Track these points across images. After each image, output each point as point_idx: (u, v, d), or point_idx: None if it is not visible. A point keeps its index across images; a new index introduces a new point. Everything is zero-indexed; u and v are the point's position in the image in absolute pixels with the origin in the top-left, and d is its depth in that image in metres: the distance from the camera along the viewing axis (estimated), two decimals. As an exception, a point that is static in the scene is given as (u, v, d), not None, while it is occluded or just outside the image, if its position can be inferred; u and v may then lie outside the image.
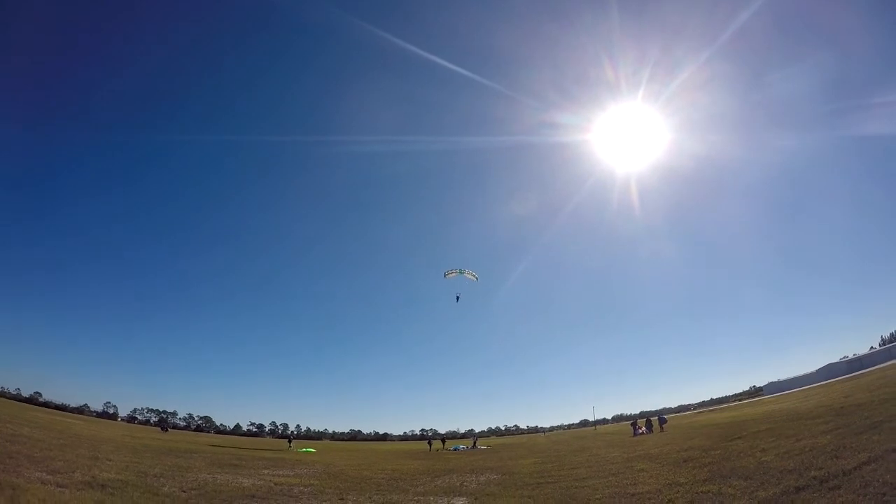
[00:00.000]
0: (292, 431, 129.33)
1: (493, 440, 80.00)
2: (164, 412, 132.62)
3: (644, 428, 36.15)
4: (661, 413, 40.90)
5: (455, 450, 42.72)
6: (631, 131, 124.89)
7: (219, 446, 33.31)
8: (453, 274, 42.30)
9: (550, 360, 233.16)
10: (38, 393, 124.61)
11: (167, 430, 65.57)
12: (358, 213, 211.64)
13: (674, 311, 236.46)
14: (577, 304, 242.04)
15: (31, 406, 74.52)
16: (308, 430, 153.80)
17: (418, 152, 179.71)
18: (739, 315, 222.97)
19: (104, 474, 11.87)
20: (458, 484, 14.48)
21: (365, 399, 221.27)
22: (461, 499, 11.40)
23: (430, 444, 51.50)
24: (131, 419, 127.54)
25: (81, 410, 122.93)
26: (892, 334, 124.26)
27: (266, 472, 17.60)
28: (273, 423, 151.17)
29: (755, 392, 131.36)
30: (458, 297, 42.93)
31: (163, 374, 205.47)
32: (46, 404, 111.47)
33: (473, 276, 42.02)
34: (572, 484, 12.16)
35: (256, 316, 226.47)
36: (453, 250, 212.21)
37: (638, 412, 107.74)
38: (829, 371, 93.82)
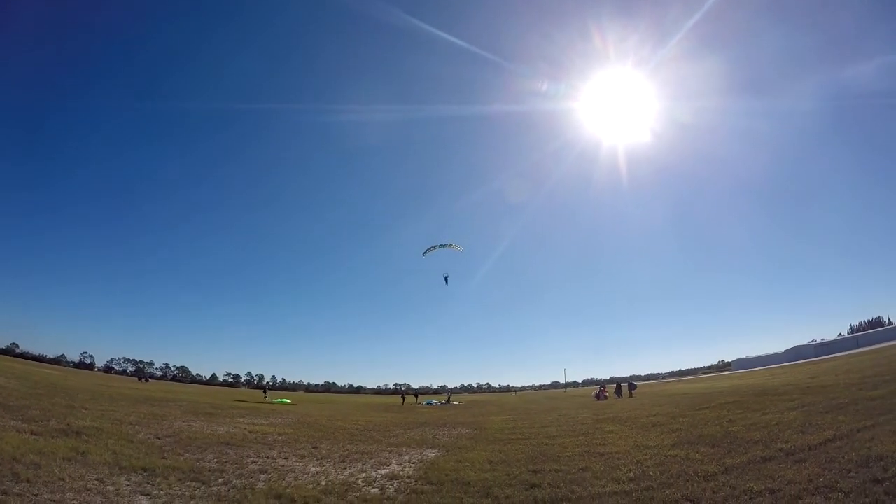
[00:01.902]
0: (268, 382, 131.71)
1: (465, 397, 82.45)
2: (141, 362, 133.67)
3: (608, 394, 37.36)
4: (630, 380, 41.92)
5: (428, 404, 43.82)
6: (619, 100, 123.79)
7: (195, 396, 33.54)
8: (434, 250, 39.58)
9: (525, 321, 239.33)
10: (14, 344, 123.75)
11: (146, 381, 65.31)
12: (341, 177, 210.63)
13: (651, 283, 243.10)
14: (554, 271, 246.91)
15: (7, 357, 73.95)
16: (283, 381, 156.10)
17: (400, 121, 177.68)
18: (714, 291, 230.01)
19: (79, 422, 11.87)
20: (430, 437, 14.75)
21: (340, 352, 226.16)
22: (433, 451, 11.58)
23: (403, 398, 52.69)
24: (108, 369, 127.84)
25: (59, 361, 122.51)
26: (860, 323, 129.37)
27: (241, 420, 17.77)
28: (249, 374, 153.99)
29: (724, 367, 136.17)
30: (446, 279, 40.53)
31: (140, 324, 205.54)
32: (23, 355, 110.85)
33: (457, 247, 39.54)
34: (543, 441, 12.44)
35: (234, 268, 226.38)
36: (437, 215, 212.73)
37: (608, 377, 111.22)
38: (796, 352, 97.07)
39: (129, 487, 6.87)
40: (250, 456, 10.02)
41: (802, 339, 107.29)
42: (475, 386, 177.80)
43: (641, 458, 8.98)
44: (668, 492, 6.41)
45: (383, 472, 8.77)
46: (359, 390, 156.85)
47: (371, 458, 10.22)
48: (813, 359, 71.80)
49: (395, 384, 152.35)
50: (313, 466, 9.20)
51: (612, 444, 11.22)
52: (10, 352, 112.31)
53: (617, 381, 40.31)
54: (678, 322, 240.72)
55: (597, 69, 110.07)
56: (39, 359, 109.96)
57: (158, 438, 11.33)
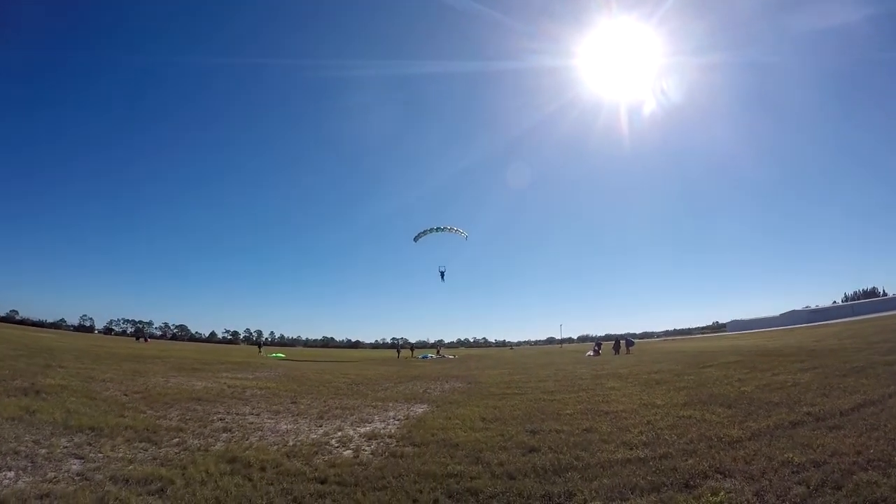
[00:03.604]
0: (264, 338, 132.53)
1: (461, 351, 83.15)
2: (140, 322, 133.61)
3: (605, 350, 37.03)
4: (627, 336, 41.47)
5: (424, 358, 43.65)
6: (621, 55, 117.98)
7: (187, 353, 32.75)
8: (428, 234, 34.04)
9: (522, 278, 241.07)
10: (14, 311, 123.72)
11: (145, 340, 64.52)
12: (339, 132, 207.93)
13: (648, 243, 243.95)
14: (551, 227, 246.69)
15: (5, 324, 72.90)
16: (282, 336, 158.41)
17: (394, 77, 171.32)
18: (711, 252, 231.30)
19: (47, 381, 11.10)
20: (420, 391, 13.97)
21: (339, 308, 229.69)
22: (422, 406, 10.74)
23: (398, 351, 52.76)
24: (108, 331, 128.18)
25: (59, 325, 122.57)
26: (854, 293, 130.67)
27: (226, 375, 17.05)
28: (247, 331, 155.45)
29: (718, 328, 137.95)
30: (442, 274, 36.01)
31: (139, 285, 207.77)
32: (23, 322, 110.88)
33: (460, 233, 34.56)
34: (540, 397, 11.60)
35: (234, 225, 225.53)
36: (433, 176, 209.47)
37: (603, 334, 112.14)
38: (791, 317, 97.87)
39: (66, 450, 5.93)
40: (219, 412, 9.14)
41: (796, 305, 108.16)
42: (472, 340, 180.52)
43: (652, 419, 8.08)
44: (691, 461, 5.43)
45: (363, 430, 7.86)
46: (356, 345, 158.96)
47: (352, 415, 9.35)
48: (808, 324, 72.22)
49: (393, 338, 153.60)
50: (286, 424, 8.30)
51: (615, 401, 10.38)
52: (10, 319, 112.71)
53: (615, 338, 39.81)
54: (673, 283, 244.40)
55: (599, 21, 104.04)
56: (39, 324, 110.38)
57: (125, 395, 10.52)
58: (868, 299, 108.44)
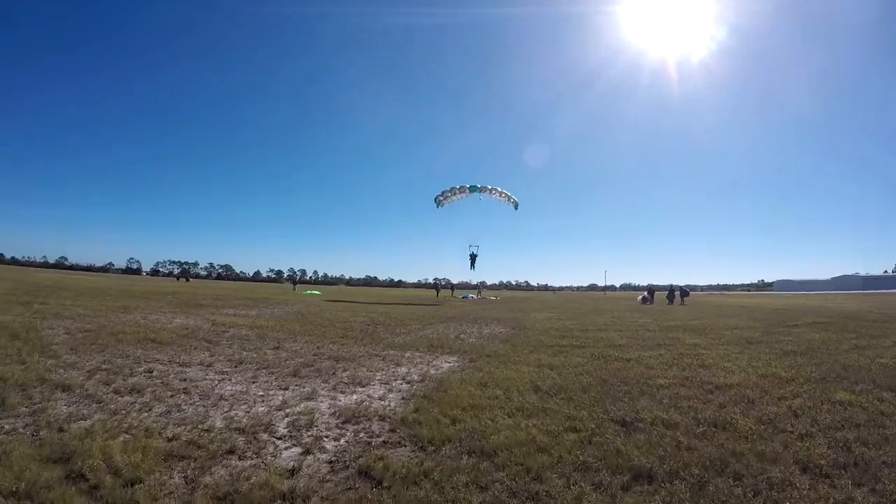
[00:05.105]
0: (297, 274, 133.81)
1: (504, 293, 79.88)
2: (186, 263, 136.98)
3: (657, 299, 33.44)
4: (682, 287, 37.37)
5: (464, 298, 41.16)
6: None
7: (215, 290, 30.99)
8: (456, 196, 25.87)
9: (566, 222, 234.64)
10: (63, 257, 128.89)
11: (187, 280, 64.73)
12: (380, 83, 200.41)
13: (693, 198, 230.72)
14: (600, 177, 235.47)
15: (54, 270, 74.19)
16: (325, 275, 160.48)
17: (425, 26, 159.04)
18: (754, 212, 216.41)
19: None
20: (453, 336, 11.03)
21: (384, 249, 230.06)
22: (450, 359, 7.78)
23: (437, 290, 49.92)
24: (155, 272, 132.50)
25: (107, 269, 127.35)
26: None
27: (227, 312, 14.80)
28: (291, 270, 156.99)
29: (764, 286, 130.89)
30: (473, 258, 28.74)
31: (185, 227, 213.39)
32: (72, 267, 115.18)
33: (507, 197, 26.43)
34: (608, 353, 8.43)
35: (284, 167, 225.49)
36: (477, 122, 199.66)
37: (645, 283, 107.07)
38: (843, 282, 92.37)
39: None
40: (158, 361, 6.55)
41: (845, 271, 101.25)
42: (514, 283, 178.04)
43: (793, 403, 5.05)
44: None
45: (345, 401, 4.90)
46: (399, 284, 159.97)
47: (344, 371, 6.45)
48: (862, 291, 67.42)
49: (435, 279, 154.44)
50: (233, 385, 5.47)
51: (717, 367, 7.18)
52: (59, 265, 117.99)
53: (668, 288, 35.92)
54: (716, 237, 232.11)
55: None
56: (89, 269, 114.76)
57: (68, 334, 8.40)
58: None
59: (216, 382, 5.54)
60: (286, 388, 5.38)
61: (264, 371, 6.26)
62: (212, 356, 7.09)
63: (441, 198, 26.75)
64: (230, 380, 5.71)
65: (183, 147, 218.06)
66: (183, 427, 3.95)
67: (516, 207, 27.48)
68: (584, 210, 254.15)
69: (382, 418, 4.35)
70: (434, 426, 4.07)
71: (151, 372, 5.85)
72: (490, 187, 25.80)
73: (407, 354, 8.13)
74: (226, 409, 4.52)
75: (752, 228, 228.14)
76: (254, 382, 5.63)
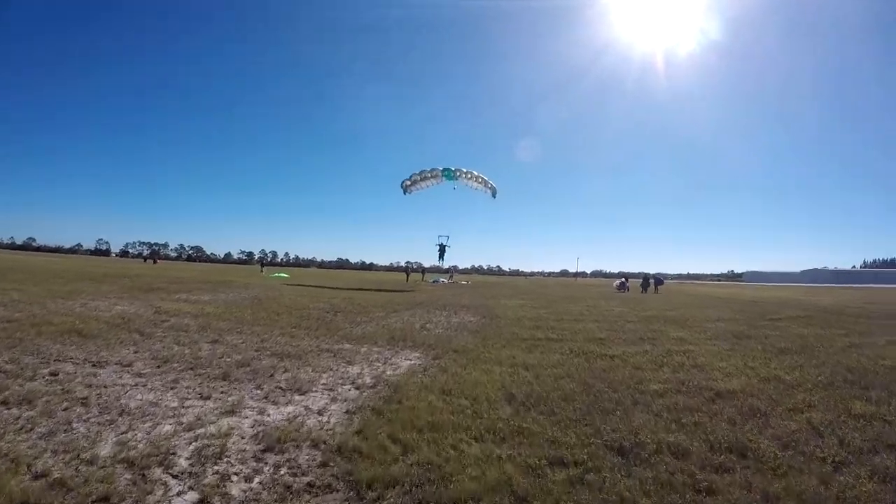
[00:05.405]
0: (268, 256, 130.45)
1: (475, 278, 79.38)
2: (156, 244, 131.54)
3: (632, 287, 33.23)
4: (656, 275, 37.21)
5: (434, 283, 40.25)
6: None
7: (177, 272, 29.03)
8: (427, 182, 23.66)
9: (538, 208, 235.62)
10: (31, 239, 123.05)
11: (154, 261, 61.58)
12: (366, 62, 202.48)
13: (665, 188, 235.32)
14: (573, 165, 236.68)
15: (20, 252, 70.07)
16: (297, 257, 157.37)
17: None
18: (723, 203, 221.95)
19: None
20: (418, 326, 10.14)
21: (355, 231, 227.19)
22: (412, 355, 6.92)
23: (408, 274, 49.09)
24: (124, 254, 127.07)
25: (75, 250, 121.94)
26: (874, 261, 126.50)
27: (178, 297, 13.59)
28: (262, 251, 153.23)
29: (734, 277, 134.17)
30: (441, 248, 28.59)
31: (156, 208, 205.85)
32: (40, 248, 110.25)
33: (481, 180, 24.21)
34: (589, 348, 7.71)
35: (260, 148, 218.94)
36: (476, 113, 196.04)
37: (616, 271, 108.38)
38: (813, 275, 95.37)
39: None
40: (71, 360, 5.54)
41: (812, 263, 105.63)
42: (485, 268, 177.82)
43: (810, 415, 4.42)
44: None
45: (274, 417, 3.98)
46: (370, 267, 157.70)
47: (284, 372, 5.49)
48: (832, 284, 70.02)
49: (406, 262, 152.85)
50: (144, 393, 4.48)
51: (711, 367, 6.52)
52: (26, 247, 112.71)
53: (645, 276, 35.72)
54: (686, 225, 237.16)
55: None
56: (56, 250, 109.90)
57: None
58: (892, 268, 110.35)
59: (127, 389, 4.53)
60: (207, 398, 4.41)
61: (189, 373, 5.25)
62: (136, 353, 6.05)
63: (409, 183, 24.37)
64: (145, 385, 4.71)
65: (158, 126, 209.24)
66: (62, 456, 3.02)
67: (494, 195, 25.84)
68: (557, 196, 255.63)
69: (315, 444, 3.42)
70: (378, 459, 3.17)
71: (56, 374, 4.84)
72: (465, 170, 24.06)
73: (363, 349, 7.21)
74: (123, 429, 3.54)
75: (722, 219, 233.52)
76: (172, 389, 4.64)
